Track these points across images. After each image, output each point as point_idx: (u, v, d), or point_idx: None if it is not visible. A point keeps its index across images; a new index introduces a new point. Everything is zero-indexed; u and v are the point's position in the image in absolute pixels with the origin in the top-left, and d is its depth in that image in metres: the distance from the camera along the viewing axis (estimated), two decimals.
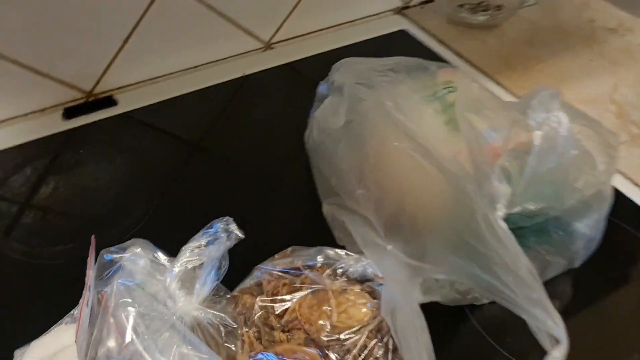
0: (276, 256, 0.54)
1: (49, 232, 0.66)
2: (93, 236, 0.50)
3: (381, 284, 0.48)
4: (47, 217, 0.69)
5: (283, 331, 0.47)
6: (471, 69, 0.89)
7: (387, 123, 0.53)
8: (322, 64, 0.69)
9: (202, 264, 0.47)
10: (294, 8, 0.90)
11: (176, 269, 0.47)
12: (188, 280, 0.48)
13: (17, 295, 0.60)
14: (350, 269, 0.48)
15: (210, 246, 0.47)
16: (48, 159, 0.76)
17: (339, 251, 0.49)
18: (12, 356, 0.52)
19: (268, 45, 0.92)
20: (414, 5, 1.02)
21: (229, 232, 0.48)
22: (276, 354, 0.45)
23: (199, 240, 0.48)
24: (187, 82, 0.87)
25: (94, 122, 0.81)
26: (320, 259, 0.49)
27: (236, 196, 0.70)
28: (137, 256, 0.49)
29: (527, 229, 0.51)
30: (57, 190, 0.72)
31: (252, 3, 0.86)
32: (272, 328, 0.48)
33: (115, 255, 0.49)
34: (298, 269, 0.50)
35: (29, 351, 0.51)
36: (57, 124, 0.80)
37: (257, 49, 0.92)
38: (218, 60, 0.89)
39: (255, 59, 0.91)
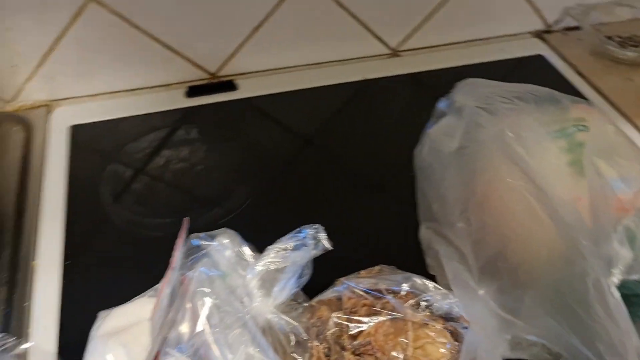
0: (362, 272, 0.52)
1: (153, 203, 0.69)
2: (185, 219, 0.51)
3: (466, 328, 0.45)
4: (154, 188, 0.71)
5: (354, 354, 0.45)
6: (610, 108, 0.82)
7: (504, 155, 0.49)
8: (448, 79, 0.65)
9: (284, 267, 0.47)
10: (428, 18, 0.87)
11: (258, 268, 0.47)
12: (268, 281, 0.48)
13: (112, 260, 0.63)
14: (435, 304, 0.45)
15: (295, 251, 0.46)
16: (165, 132, 0.79)
17: (428, 282, 0.47)
18: (96, 317, 0.54)
19: (395, 53, 0.90)
20: (557, 31, 0.95)
21: (317, 241, 0.46)
22: None
23: (286, 243, 0.47)
24: (308, 77, 0.87)
25: (213, 104, 0.83)
26: (405, 286, 0.47)
27: (335, 199, 0.69)
28: (223, 247, 0.49)
29: None
30: (168, 163, 0.74)
31: (385, 8, 0.84)
32: (343, 348, 0.46)
33: (203, 242, 0.49)
34: (381, 291, 0.48)
35: (109, 317, 0.53)
36: (179, 101, 0.83)
37: (383, 55, 0.90)
38: (342, 60, 0.88)
39: (379, 65, 0.89)
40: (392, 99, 0.85)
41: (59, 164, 0.73)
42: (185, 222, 0.50)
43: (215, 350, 0.44)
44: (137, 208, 0.68)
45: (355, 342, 0.46)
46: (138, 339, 0.49)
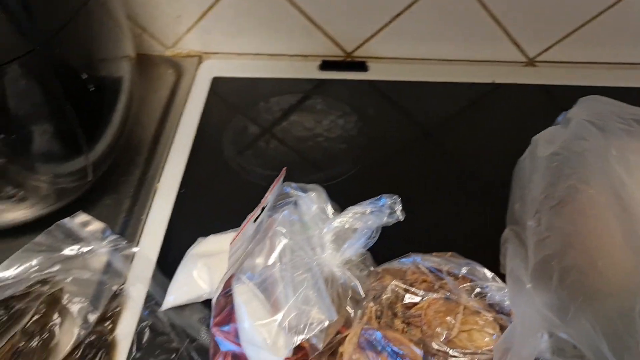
0: (434, 253, 0.54)
1: (266, 157, 0.75)
2: (284, 168, 0.56)
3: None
4: (270, 144, 0.78)
5: (403, 321, 0.48)
6: None
7: (599, 169, 0.48)
8: (580, 97, 0.65)
9: (357, 228, 0.50)
10: (573, 31, 0.85)
11: (334, 224, 0.51)
12: (341, 238, 0.51)
13: (219, 196, 0.70)
14: (490, 294, 0.46)
15: (370, 216, 0.50)
16: (294, 98, 0.85)
17: (488, 273, 0.48)
18: (194, 240, 0.62)
19: (531, 62, 0.89)
20: None
21: (392, 210, 0.49)
22: (385, 337, 0.46)
23: (364, 208, 0.51)
24: (437, 72, 0.88)
25: (343, 80, 0.88)
26: (464, 269, 0.48)
27: (434, 190, 0.71)
28: (310, 200, 0.54)
29: None
30: (290, 126, 0.80)
31: (529, 15, 0.83)
32: (394, 314, 0.49)
33: (293, 191, 0.54)
34: (442, 272, 0.50)
35: (203, 242, 0.61)
36: (312, 72, 0.89)
37: (518, 62, 0.89)
38: (473, 61, 0.89)
39: (512, 71, 0.89)
40: (518, 107, 0.84)
41: (197, 107, 0.82)
42: (283, 171, 0.55)
43: (279, 285, 0.50)
44: (251, 158, 0.75)
45: (408, 312, 0.49)
46: (220, 264, 0.56)
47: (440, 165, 0.75)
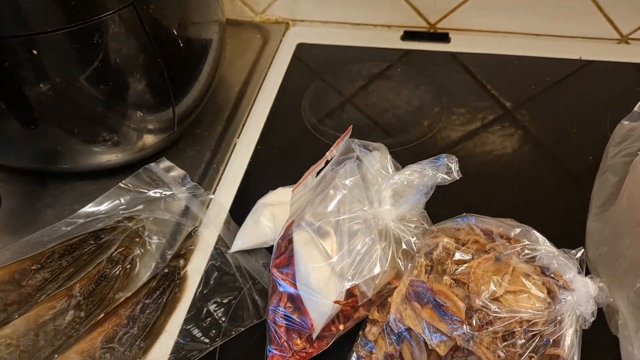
0: (494, 218, 0.55)
1: (340, 120, 0.78)
2: (350, 126, 0.58)
3: (562, 287, 0.45)
4: (346, 109, 0.80)
5: (452, 278, 0.49)
6: None
7: None
8: None
9: (414, 185, 0.52)
10: None
11: (392, 181, 0.53)
12: (399, 194, 0.53)
13: (292, 153, 0.74)
14: (539, 257, 0.47)
15: (427, 173, 0.51)
16: (375, 66, 0.87)
17: (540, 237, 0.48)
18: (265, 192, 0.66)
19: (625, 39, 0.85)
20: None
21: (449, 170, 0.50)
22: (430, 289, 0.48)
23: (424, 166, 0.52)
24: (522, 46, 0.87)
25: (424, 51, 0.88)
26: (517, 230, 0.49)
27: (512, 169, 0.71)
28: (373, 157, 0.56)
29: None
30: (367, 92, 0.82)
31: None
32: (444, 271, 0.50)
33: (358, 147, 0.56)
34: (495, 234, 0.50)
35: (272, 193, 0.64)
36: (395, 42, 0.90)
37: (611, 39, 0.85)
38: (561, 36, 0.86)
39: (603, 48, 0.85)
40: (608, 85, 0.81)
41: (280, 71, 0.86)
42: (350, 128, 0.58)
43: (336, 233, 0.52)
44: (326, 120, 0.78)
45: (457, 269, 0.50)
46: (285, 214, 0.59)
47: (520, 142, 0.74)
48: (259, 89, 0.83)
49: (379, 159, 0.56)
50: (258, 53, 0.89)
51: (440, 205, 0.60)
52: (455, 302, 0.46)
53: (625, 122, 0.66)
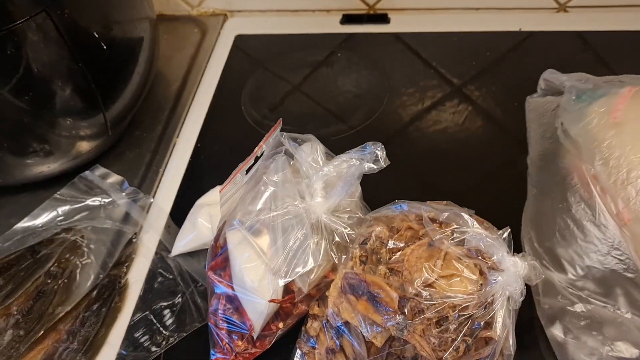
0: (429, 202, 0.54)
1: (285, 112, 0.77)
2: (280, 119, 0.57)
3: (491, 268, 0.45)
4: (289, 99, 0.79)
5: (387, 267, 0.48)
6: None
7: None
8: (618, 41, 0.61)
9: (342, 176, 0.51)
10: None
11: (321, 173, 0.52)
12: (330, 186, 0.52)
13: (233, 149, 0.72)
14: (466, 240, 0.46)
15: (355, 163, 0.50)
16: (315, 53, 0.85)
17: (468, 219, 0.47)
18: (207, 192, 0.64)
19: (563, 7, 0.84)
20: None
21: (376, 158, 0.50)
22: (364, 280, 0.47)
23: (351, 156, 0.51)
24: (462, 21, 0.86)
25: (365, 34, 0.87)
26: (445, 214, 0.48)
27: (466, 146, 0.70)
28: (303, 150, 0.55)
29: None
30: (310, 80, 0.81)
31: None
32: (379, 260, 0.49)
33: (288, 141, 0.55)
34: (430, 219, 0.50)
35: (209, 192, 0.63)
36: (334, 26, 0.89)
37: (549, 8, 0.85)
38: (502, 9, 0.85)
39: (542, 18, 0.85)
40: (550, 54, 0.80)
41: (219, 65, 0.84)
42: (279, 121, 0.56)
43: (268, 230, 0.51)
44: (267, 112, 0.76)
45: (392, 258, 0.49)
46: (226, 211, 0.58)
47: (471, 117, 0.74)
48: (198, 85, 0.81)
49: (309, 150, 0.55)
50: (196, 47, 0.87)
51: (390, 190, 0.60)
52: (388, 292, 0.46)
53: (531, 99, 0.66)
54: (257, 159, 0.56)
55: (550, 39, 0.83)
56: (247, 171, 0.55)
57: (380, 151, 0.50)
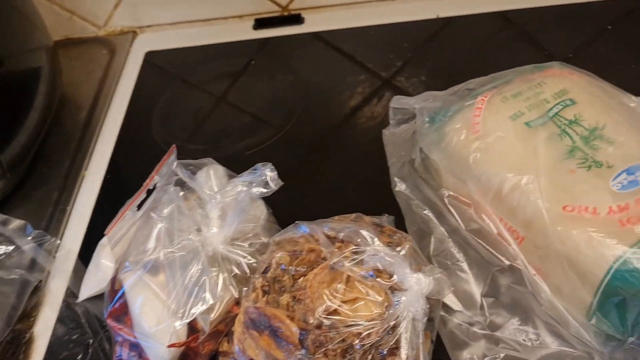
0: (336, 218, 0.51)
1: (199, 131, 0.73)
2: (173, 146, 0.53)
3: (393, 289, 0.42)
4: (204, 116, 0.75)
5: (291, 296, 0.45)
6: None
7: None
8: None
9: (235, 202, 0.47)
10: None
11: (215, 200, 0.48)
12: (227, 213, 0.49)
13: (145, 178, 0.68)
14: (365, 259, 0.43)
15: (247, 188, 0.47)
16: (229, 62, 0.81)
17: (367, 235, 0.44)
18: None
19: None
20: None
21: (267, 180, 0.46)
22: (265, 314, 0.44)
23: (244, 179, 0.48)
24: (379, 13, 0.83)
25: (280, 37, 0.83)
26: (342, 235, 0.45)
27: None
28: (198, 177, 0.51)
29: None
30: (225, 90, 0.77)
31: None
32: (282, 289, 0.46)
33: (180, 170, 0.51)
34: (333, 239, 0.46)
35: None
36: (248, 32, 0.85)
37: None
38: None
39: (460, 3, 0.82)
40: (471, 37, 0.78)
41: (129, 85, 0.80)
42: (172, 149, 0.53)
43: (164, 269, 0.48)
44: (179, 133, 0.72)
45: (295, 285, 0.46)
46: (119, 252, 0.54)
47: None
48: (107, 110, 0.77)
49: (206, 177, 0.52)
50: (105, 70, 0.83)
51: (323, 197, 0.60)
52: (288, 326, 0.43)
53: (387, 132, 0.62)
54: (150, 191, 0.52)
55: (470, 21, 0.80)
56: (140, 206, 0.52)
57: (270, 172, 0.46)
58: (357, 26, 0.82)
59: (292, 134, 0.69)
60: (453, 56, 0.76)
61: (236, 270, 0.48)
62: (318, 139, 0.69)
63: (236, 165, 0.54)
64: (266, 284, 0.47)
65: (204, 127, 0.73)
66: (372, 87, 0.74)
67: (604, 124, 0.47)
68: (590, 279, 0.42)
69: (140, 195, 0.51)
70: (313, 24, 0.84)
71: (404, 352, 0.40)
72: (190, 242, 0.48)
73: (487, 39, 0.77)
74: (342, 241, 0.46)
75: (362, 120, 0.70)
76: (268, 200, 0.54)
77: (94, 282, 0.57)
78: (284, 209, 0.56)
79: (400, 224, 0.53)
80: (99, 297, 0.57)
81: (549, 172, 0.47)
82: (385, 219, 0.53)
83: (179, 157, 0.52)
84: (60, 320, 0.56)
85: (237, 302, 0.48)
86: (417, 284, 0.41)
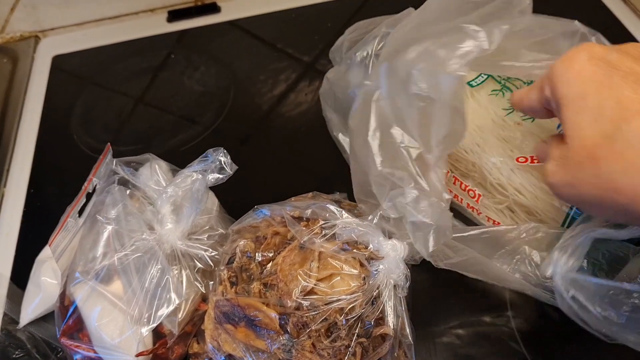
0: (292, 199, 0.49)
1: (124, 131, 0.68)
2: (108, 144, 0.49)
3: (372, 259, 0.41)
4: (126, 115, 0.70)
5: (261, 283, 0.43)
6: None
7: None
8: None
9: (189, 193, 0.45)
10: None
11: (165, 195, 0.45)
12: (179, 207, 0.46)
13: (72, 188, 0.63)
14: (337, 233, 0.42)
15: (198, 177, 0.44)
16: (144, 58, 0.77)
17: (335, 209, 0.43)
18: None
19: None
20: None
21: (221, 165, 0.44)
22: (238, 304, 0.41)
23: (194, 169, 0.45)
24: None
25: (196, 28, 0.80)
26: (308, 212, 0.43)
27: (317, 127, 0.65)
28: (141, 174, 0.48)
29: None
30: (146, 87, 0.73)
31: None
32: (250, 277, 0.44)
33: (121, 167, 0.47)
34: (296, 218, 0.45)
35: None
36: (161, 26, 0.81)
37: None
38: None
39: None
40: (394, 9, 0.78)
41: (39, 94, 0.74)
42: (107, 148, 0.49)
43: (119, 275, 0.44)
44: (103, 135, 0.68)
45: (264, 271, 0.44)
46: (65, 264, 0.50)
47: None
48: (19, 122, 0.71)
49: (149, 173, 0.48)
50: (9, 80, 0.76)
51: (257, 190, 0.57)
52: (265, 313, 0.41)
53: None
54: (89, 195, 0.48)
55: None
56: (81, 212, 0.47)
57: (223, 157, 0.44)
58: (277, 10, 0.80)
59: (224, 127, 0.67)
60: None
61: (199, 265, 0.45)
62: (250, 129, 0.66)
63: (173, 162, 0.51)
64: (233, 274, 0.44)
65: (130, 127, 0.69)
66: (295, 72, 0.73)
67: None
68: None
69: (80, 200, 0.47)
70: (230, 11, 0.81)
71: (390, 320, 0.39)
72: (144, 242, 0.44)
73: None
74: (307, 220, 0.44)
75: (290, 107, 0.69)
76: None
77: (35, 304, 0.52)
78: (230, 202, 0.53)
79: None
80: (43, 319, 0.52)
81: (496, 127, 0.48)
82: (338, 196, 0.52)
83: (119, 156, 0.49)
84: (1, 351, 0.51)
85: (204, 299, 0.46)
86: (393, 250, 0.41)
